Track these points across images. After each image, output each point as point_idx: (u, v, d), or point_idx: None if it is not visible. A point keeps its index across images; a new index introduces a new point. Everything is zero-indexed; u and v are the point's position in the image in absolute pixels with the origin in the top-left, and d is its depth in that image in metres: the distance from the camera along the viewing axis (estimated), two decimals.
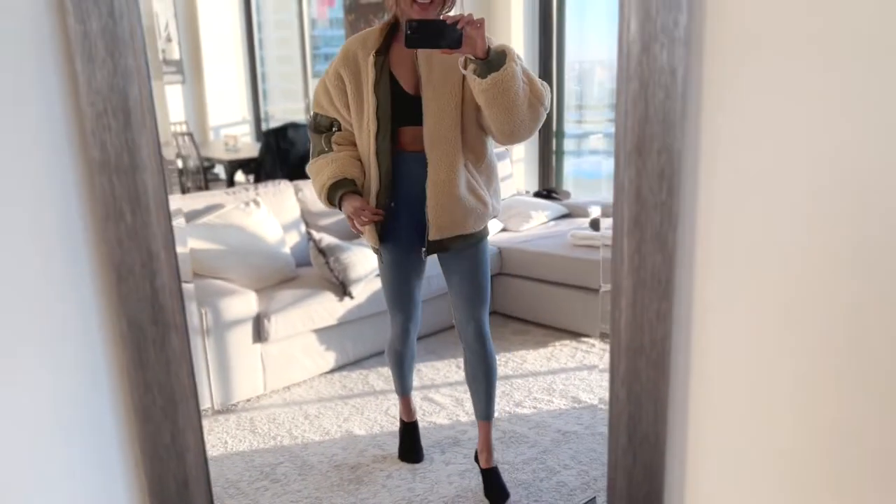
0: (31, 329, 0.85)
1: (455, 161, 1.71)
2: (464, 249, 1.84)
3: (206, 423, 2.52)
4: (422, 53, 1.70)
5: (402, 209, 1.80)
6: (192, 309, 2.50)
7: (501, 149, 3.69)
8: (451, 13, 1.70)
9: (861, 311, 0.83)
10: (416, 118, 1.72)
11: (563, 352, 2.96)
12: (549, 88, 1.69)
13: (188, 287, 0.96)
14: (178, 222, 0.92)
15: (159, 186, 0.85)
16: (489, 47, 1.57)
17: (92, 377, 0.89)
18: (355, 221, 1.78)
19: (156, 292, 0.88)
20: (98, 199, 0.83)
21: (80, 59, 0.79)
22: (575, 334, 3.11)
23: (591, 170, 5.90)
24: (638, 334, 0.92)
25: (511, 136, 1.68)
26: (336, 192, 1.79)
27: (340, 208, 1.81)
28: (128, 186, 0.84)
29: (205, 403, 2.60)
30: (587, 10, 4.72)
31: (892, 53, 0.75)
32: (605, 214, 3.33)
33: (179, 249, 0.91)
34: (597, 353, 2.93)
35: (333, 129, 1.84)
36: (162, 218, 0.86)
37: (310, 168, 1.87)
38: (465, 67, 1.61)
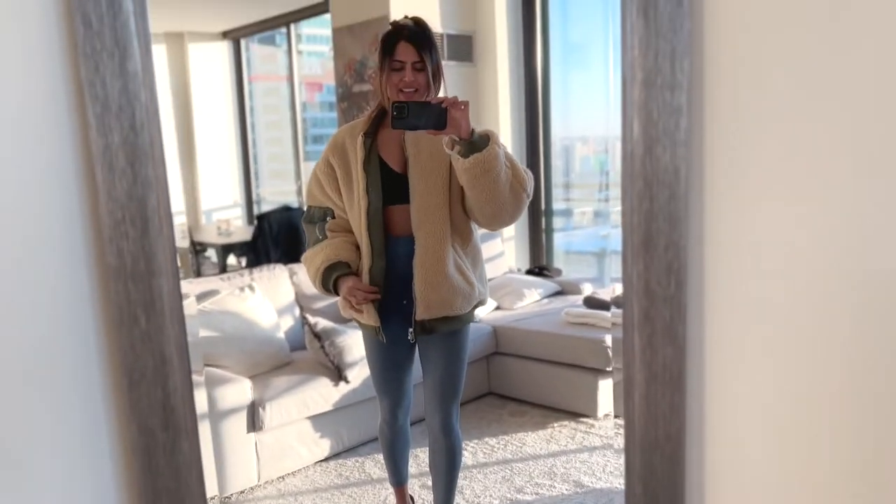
0: (40, 436, 0.83)
1: (443, 240, 1.73)
2: (448, 335, 1.84)
3: None
4: (409, 134, 1.74)
5: (390, 291, 1.80)
6: (200, 397, 2.46)
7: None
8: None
9: (881, 401, 0.83)
10: (404, 197, 1.75)
11: (562, 433, 2.92)
12: (531, 176, 1.73)
13: (198, 379, 0.95)
14: (188, 304, 0.92)
15: (174, 290, 0.86)
16: (473, 129, 1.62)
17: (100, 484, 0.87)
18: (352, 301, 1.78)
19: (167, 396, 0.87)
20: (113, 305, 0.84)
21: (100, 170, 0.81)
22: (574, 414, 3.08)
23: (580, 243, 5.97)
24: (652, 428, 0.92)
25: (492, 220, 1.72)
26: (331, 276, 1.79)
27: (336, 292, 1.81)
28: (143, 292, 0.84)
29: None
30: (571, 88, 4.89)
31: (893, 148, 0.78)
32: (615, 300, 3.29)
33: (190, 339, 0.91)
34: (597, 434, 2.89)
35: (327, 218, 1.86)
36: (175, 321, 0.87)
37: (305, 257, 1.89)
38: (451, 148, 1.65)
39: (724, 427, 0.91)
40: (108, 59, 0.80)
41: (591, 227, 5.74)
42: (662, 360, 0.90)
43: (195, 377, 0.91)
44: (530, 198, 1.72)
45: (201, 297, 2.93)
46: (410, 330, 1.80)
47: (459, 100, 1.59)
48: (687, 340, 0.90)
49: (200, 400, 2.28)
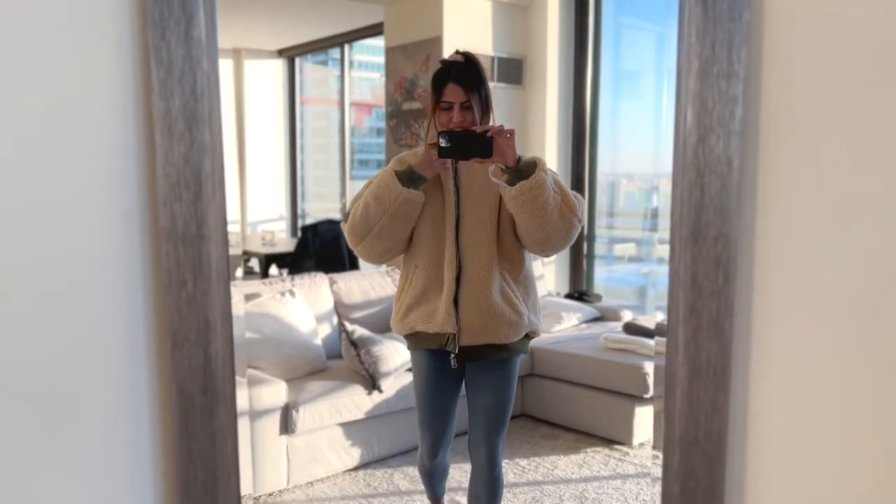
0: (85, 388, 0.85)
1: (489, 267, 1.73)
2: (496, 363, 1.82)
3: None
4: (462, 164, 1.75)
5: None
6: (242, 396, 2.49)
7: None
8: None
9: None
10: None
11: (595, 459, 2.86)
12: (583, 201, 1.72)
13: (240, 380, 0.96)
14: (236, 304, 0.94)
15: (222, 256, 0.88)
16: (520, 157, 1.63)
17: (138, 441, 0.89)
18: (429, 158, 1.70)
19: (209, 360, 0.88)
20: (162, 267, 0.85)
21: (160, 133, 0.83)
22: (608, 441, 3.02)
23: (621, 277, 5.90)
24: (693, 426, 0.90)
25: (543, 245, 1.70)
26: (404, 167, 1.70)
27: (413, 180, 1.70)
28: (192, 255, 0.86)
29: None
30: (620, 119, 4.88)
31: None
32: (658, 330, 3.22)
33: (235, 331, 0.92)
34: (631, 463, 2.83)
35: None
36: (221, 287, 0.88)
37: (351, 210, 1.79)
38: (498, 176, 1.65)
39: (768, 428, 0.89)
40: (174, 25, 0.82)
41: (634, 262, 5.68)
42: (707, 356, 0.88)
43: (238, 378, 0.92)
44: (582, 223, 1.71)
45: (243, 299, 2.97)
46: (453, 356, 1.79)
47: (506, 128, 1.60)
48: (733, 336, 0.88)
49: (242, 398, 2.32)
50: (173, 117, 0.83)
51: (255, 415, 2.50)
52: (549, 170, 1.65)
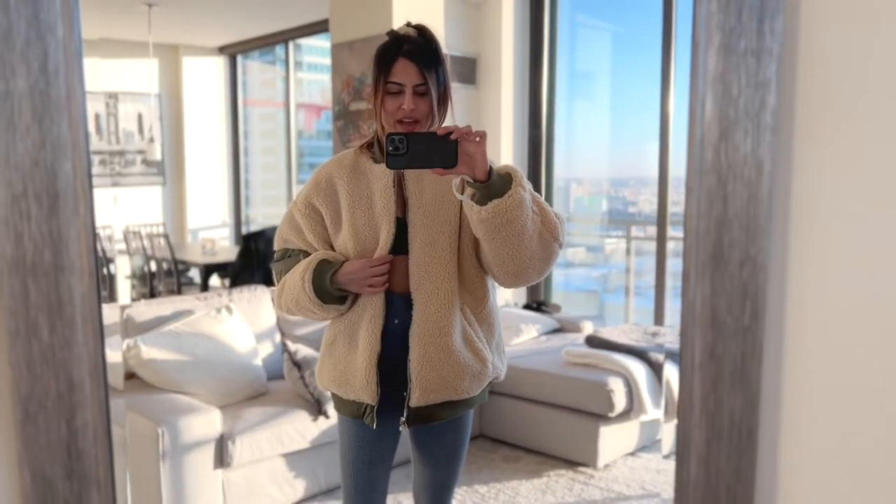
0: None
1: (448, 304, 1.37)
2: (451, 423, 1.48)
3: None
4: (410, 171, 1.40)
5: (380, 365, 1.41)
6: (145, 427, 2.18)
7: None
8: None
9: None
10: (402, 247, 1.40)
11: (559, 483, 2.68)
12: (564, 221, 1.39)
13: (117, 403, 0.73)
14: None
15: (90, 293, 0.65)
16: (491, 168, 1.26)
17: None
18: (371, 276, 1.38)
19: (73, 434, 0.65)
20: (6, 309, 0.62)
21: None
22: (571, 463, 2.84)
23: (578, 283, 5.79)
24: (712, 501, 0.71)
25: (517, 278, 1.36)
26: (329, 267, 1.39)
27: (334, 283, 1.39)
28: (47, 293, 0.63)
29: None
30: (573, 129, 4.75)
31: None
32: (598, 335, 3.04)
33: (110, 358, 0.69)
34: (596, 486, 2.65)
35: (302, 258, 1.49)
36: (90, 336, 0.65)
37: (279, 283, 1.50)
38: (461, 191, 1.30)
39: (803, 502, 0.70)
40: None
41: (585, 267, 5.57)
42: (729, 413, 0.69)
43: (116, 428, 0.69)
44: (563, 248, 1.38)
45: (174, 316, 2.70)
46: (402, 419, 1.41)
47: (473, 130, 1.23)
48: (762, 387, 0.69)
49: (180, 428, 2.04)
50: (15, 104, 0.61)
51: (185, 448, 2.23)
52: (527, 183, 1.31)
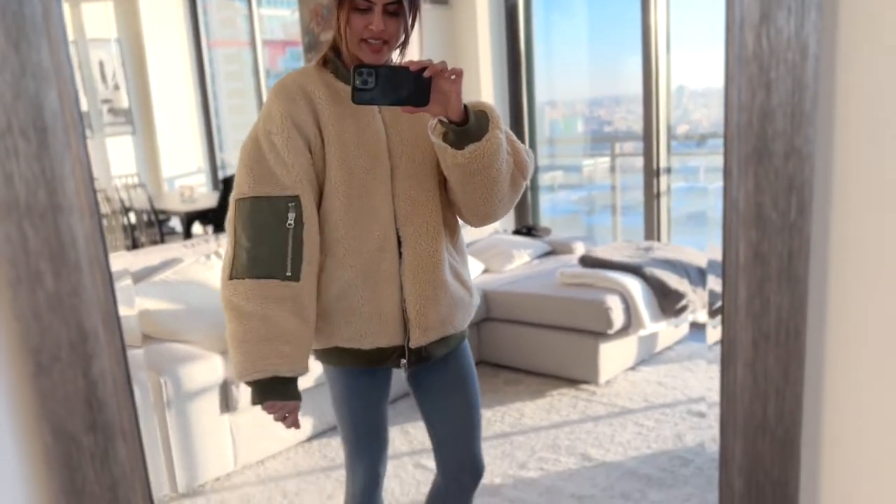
0: None
1: (437, 237, 1.29)
2: (448, 357, 1.39)
3: None
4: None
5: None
6: (143, 379, 2.15)
7: None
8: (409, 58, 1.23)
9: None
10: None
11: (562, 402, 2.71)
12: (532, 157, 1.34)
13: (137, 353, 0.69)
14: (125, 283, 0.67)
15: (93, 234, 0.60)
16: (466, 109, 1.18)
17: None
18: (277, 418, 1.28)
19: (92, 385, 0.61)
20: (3, 257, 0.57)
21: None
22: (573, 381, 2.87)
23: (563, 207, 5.77)
24: (760, 406, 0.69)
25: (485, 219, 1.31)
26: (286, 386, 1.24)
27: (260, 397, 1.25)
28: (47, 237, 0.58)
29: (165, 488, 2.27)
30: (552, 50, 4.63)
31: None
32: (590, 253, 3.03)
33: (124, 312, 0.65)
34: (599, 402, 2.68)
35: (290, 220, 1.21)
36: (98, 279, 0.60)
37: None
38: (436, 133, 1.21)
39: (853, 405, 0.68)
40: None
41: (565, 190, 5.55)
42: (777, 314, 0.66)
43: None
44: (528, 183, 1.34)
45: (162, 266, 2.64)
46: (404, 361, 1.33)
47: (449, 67, 1.14)
48: (809, 286, 0.66)
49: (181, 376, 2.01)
50: None
51: (189, 395, 2.22)
52: (503, 125, 1.23)
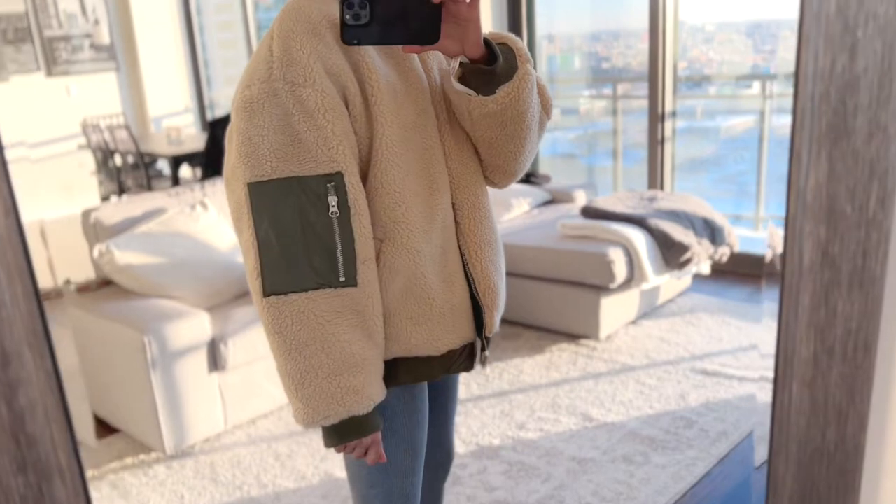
0: None
1: (486, 197, 1.06)
2: None
3: (158, 471, 2.14)
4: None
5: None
6: (130, 338, 2.04)
7: None
8: None
9: None
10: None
11: (562, 358, 2.64)
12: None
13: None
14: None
15: (9, 236, 0.48)
16: (488, 43, 0.92)
17: None
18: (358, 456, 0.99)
19: (19, 418, 0.51)
20: None
21: None
22: (573, 336, 2.79)
23: (561, 148, 5.61)
24: (818, 429, 0.59)
25: (513, 177, 1.07)
26: (352, 429, 0.94)
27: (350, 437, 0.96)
28: None
29: (155, 449, 2.21)
30: None
31: None
32: (592, 204, 2.87)
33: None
34: (600, 359, 2.61)
35: (333, 206, 0.89)
36: (19, 290, 0.49)
37: (305, 328, 0.90)
38: (454, 76, 0.95)
39: None
40: None
41: (561, 130, 5.38)
42: (845, 324, 0.55)
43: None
44: None
45: (145, 217, 2.52)
46: (486, 353, 1.09)
47: None
48: (885, 294, 0.55)
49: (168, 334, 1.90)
50: None
51: (176, 354, 2.13)
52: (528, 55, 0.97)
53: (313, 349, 0.89)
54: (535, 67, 0.96)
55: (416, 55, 0.97)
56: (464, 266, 1.01)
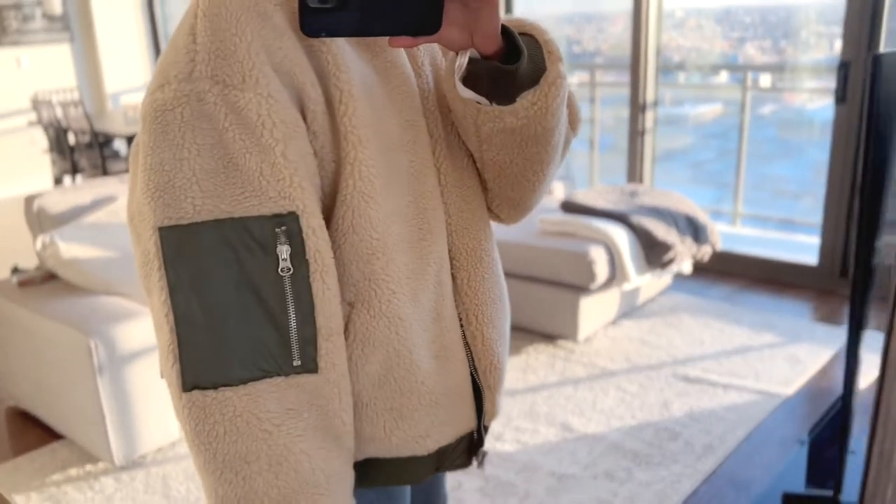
0: None
1: (491, 242, 0.81)
2: None
3: (105, 484, 1.97)
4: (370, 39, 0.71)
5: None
6: (75, 340, 1.85)
7: None
8: None
9: None
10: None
11: (539, 360, 2.53)
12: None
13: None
14: None
15: None
16: (509, 32, 0.68)
17: None
18: None
19: None
20: None
21: None
22: (550, 337, 2.68)
23: None
24: None
25: (527, 210, 0.83)
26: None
27: None
28: None
29: (103, 459, 2.04)
30: None
31: None
32: (571, 199, 2.74)
33: None
34: (579, 362, 2.51)
35: (284, 259, 0.62)
36: None
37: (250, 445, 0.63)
38: (459, 77, 0.68)
39: None
40: None
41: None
42: None
43: None
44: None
45: (94, 205, 2.33)
46: (484, 452, 0.86)
47: None
48: None
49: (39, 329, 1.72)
50: None
51: (124, 358, 1.96)
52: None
53: (256, 468, 0.62)
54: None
55: (398, 49, 0.71)
56: (462, 335, 0.78)
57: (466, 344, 0.78)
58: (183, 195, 0.59)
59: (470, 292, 0.77)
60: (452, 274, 0.77)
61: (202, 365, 0.60)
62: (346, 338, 0.69)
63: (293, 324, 0.62)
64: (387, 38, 0.65)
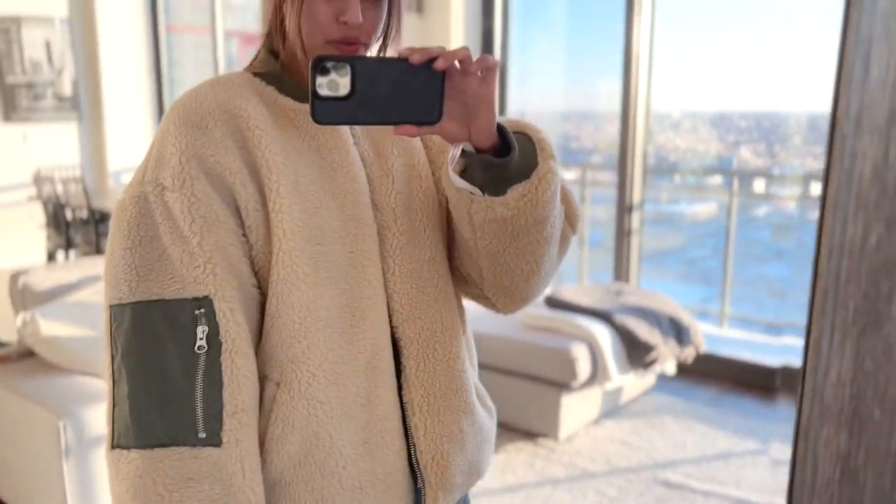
0: None
1: (454, 337, 0.84)
2: None
3: None
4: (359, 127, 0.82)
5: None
6: (44, 420, 1.82)
7: None
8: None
9: None
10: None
11: (518, 458, 2.48)
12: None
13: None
14: None
15: None
16: (502, 129, 0.74)
17: None
18: None
19: None
20: None
21: None
22: (530, 434, 2.64)
23: None
24: None
25: (523, 302, 0.85)
26: None
27: None
28: None
29: None
30: (527, 61, 4.45)
31: None
32: (564, 296, 2.75)
33: None
34: (559, 462, 2.46)
35: (200, 339, 0.71)
36: None
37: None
38: (457, 169, 0.75)
39: None
40: None
41: None
42: None
43: None
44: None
45: (80, 284, 2.34)
46: None
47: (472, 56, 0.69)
48: None
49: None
50: None
51: (93, 442, 1.93)
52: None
53: None
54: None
55: (351, 142, 0.79)
56: (404, 424, 0.79)
57: (408, 434, 0.80)
58: (125, 279, 0.71)
59: (417, 382, 0.80)
60: (402, 362, 0.80)
61: (124, 427, 0.70)
62: (269, 416, 0.75)
63: (200, 398, 0.70)
64: (390, 126, 0.70)
